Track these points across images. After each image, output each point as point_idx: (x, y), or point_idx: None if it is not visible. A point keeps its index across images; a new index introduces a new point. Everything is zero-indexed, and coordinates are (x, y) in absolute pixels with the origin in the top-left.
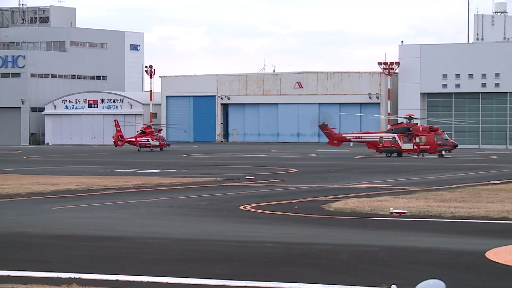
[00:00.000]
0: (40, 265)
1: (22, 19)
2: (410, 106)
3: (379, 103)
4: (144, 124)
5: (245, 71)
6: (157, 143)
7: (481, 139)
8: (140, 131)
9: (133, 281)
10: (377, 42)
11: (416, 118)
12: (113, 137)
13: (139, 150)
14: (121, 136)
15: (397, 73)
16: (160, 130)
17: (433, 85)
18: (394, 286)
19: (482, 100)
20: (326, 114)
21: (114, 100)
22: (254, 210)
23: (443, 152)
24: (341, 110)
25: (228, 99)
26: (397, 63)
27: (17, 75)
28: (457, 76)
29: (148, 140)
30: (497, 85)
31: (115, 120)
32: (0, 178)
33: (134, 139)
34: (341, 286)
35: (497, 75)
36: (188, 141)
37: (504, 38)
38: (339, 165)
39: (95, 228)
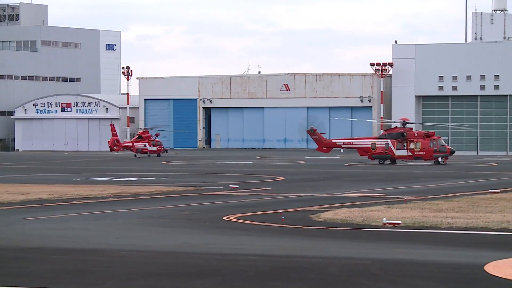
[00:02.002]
0: (9, 280)
1: None
2: (404, 109)
3: (371, 106)
4: (141, 128)
5: (229, 73)
6: (154, 148)
7: (480, 145)
8: (137, 136)
9: None
10: (369, 42)
11: (410, 123)
12: (108, 141)
13: (135, 156)
14: (117, 140)
15: (391, 74)
16: (157, 135)
17: (429, 88)
18: None
19: (481, 103)
20: (317, 120)
21: (89, 104)
22: (238, 220)
23: (439, 159)
24: (331, 114)
25: (211, 102)
26: (391, 64)
27: None
28: (454, 78)
29: (145, 145)
30: (496, 87)
31: (111, 124)
32: None
33: (130, 143)
34: None
35: (496, 77)
36: (167, 147)
37: (504, 38)
38: (329, 173)
39: (69, 240)
